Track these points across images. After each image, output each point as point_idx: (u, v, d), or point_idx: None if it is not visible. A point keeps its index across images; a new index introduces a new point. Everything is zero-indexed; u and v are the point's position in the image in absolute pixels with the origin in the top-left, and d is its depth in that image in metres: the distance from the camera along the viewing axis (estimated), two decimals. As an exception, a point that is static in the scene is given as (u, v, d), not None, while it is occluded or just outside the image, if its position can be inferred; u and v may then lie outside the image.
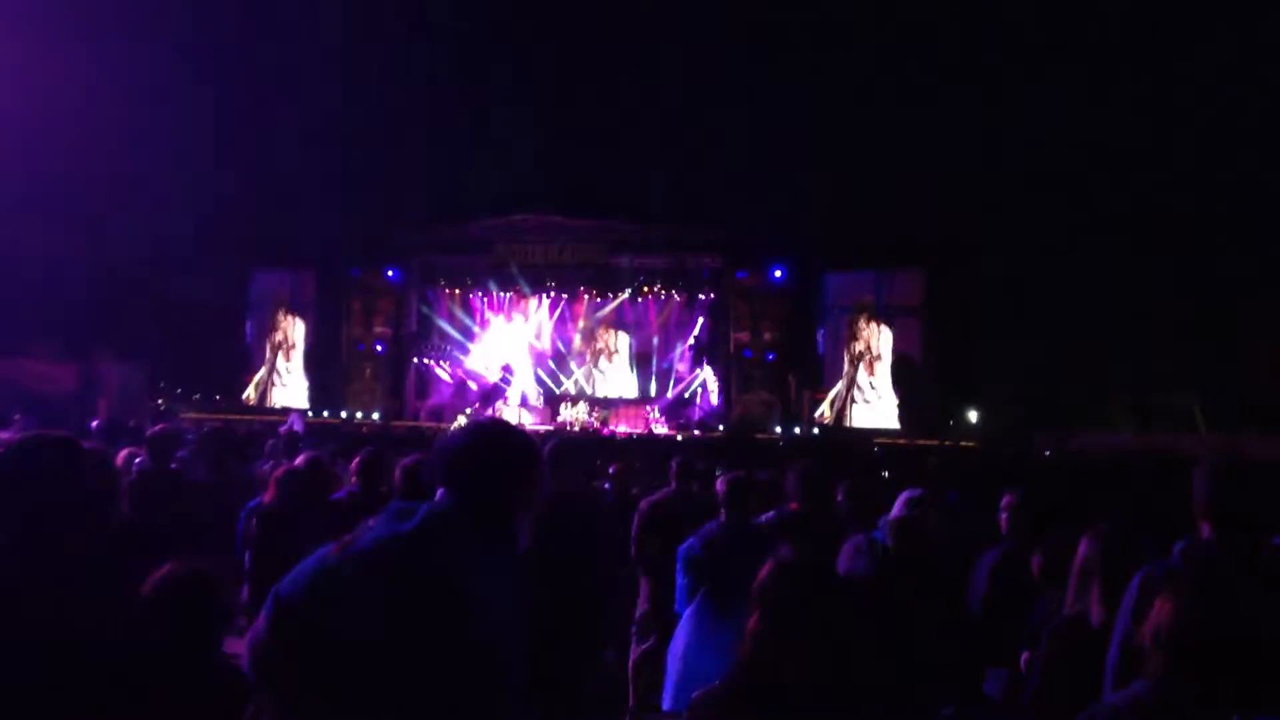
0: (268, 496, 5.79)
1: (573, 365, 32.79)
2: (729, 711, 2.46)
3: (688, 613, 5.00)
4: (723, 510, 5.22)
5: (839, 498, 6.15)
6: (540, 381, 32.48)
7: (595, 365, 32.73)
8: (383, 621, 2.17)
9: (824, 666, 2.40)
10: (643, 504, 6.62)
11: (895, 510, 5.15)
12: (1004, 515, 5.21)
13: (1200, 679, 2.25)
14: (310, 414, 28.42)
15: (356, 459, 6.42)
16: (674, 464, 7.14)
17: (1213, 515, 3.18)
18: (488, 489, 2.49)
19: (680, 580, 5.08)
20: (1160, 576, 3.04)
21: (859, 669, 2.44)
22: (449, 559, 2.29)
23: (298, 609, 2.21)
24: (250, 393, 32.87)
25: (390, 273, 32.13)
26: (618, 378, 32.62)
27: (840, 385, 29.96)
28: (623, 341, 32.72)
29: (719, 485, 5.42)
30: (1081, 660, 3.33)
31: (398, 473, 4.97)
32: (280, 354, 33.03)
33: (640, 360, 32.53)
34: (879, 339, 29.76)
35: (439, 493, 2.50)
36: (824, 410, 29.85)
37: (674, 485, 6.96)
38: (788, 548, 2.72)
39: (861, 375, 29.80)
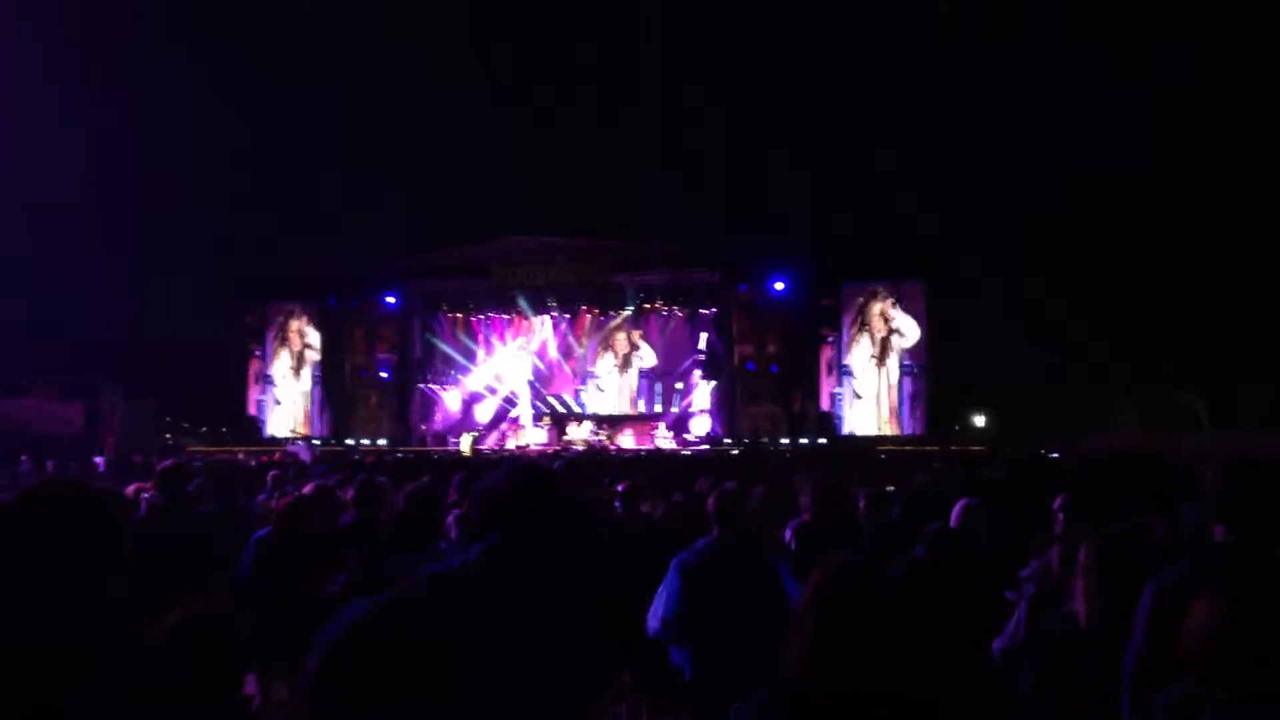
0: (274, 526, 5.77)
1: (578, 386, 32.81)
2: (789, 708, 2.40)
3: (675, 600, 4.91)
4: (715, 526, 5.14)
5: (860, 506, 6.11)
6: (545, 401, 32.46)
7: (598, 383, 32.72)
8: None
9: (874, 674, 2.36)
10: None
11: (953, 520, 5.12)
12: (1059, 515, 5.17)
13: (1238, 683, 2.23)
14: (317, 442, 28.43)
15: (352, 487, 6.41)
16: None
17: (1228, 518, 3.12)
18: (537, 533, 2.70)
19: (670, 590, 4.97)
20: (1172, 584, 2.99)
21: (904, 677, 2.41)
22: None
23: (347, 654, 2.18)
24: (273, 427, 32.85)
25: (391, 299, 32.13)
26: (621, 395, 32.57)
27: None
28: (638, 357, 32.64)
29: (709, 500, 5.35)
30: (1073, 661, 3.32)
31: (401, 499, 4.94)
32: (289, 373, 32.97)
33: (647, 376, 32.51)
34: (897, 320, 29.74)
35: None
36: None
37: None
38: (838, 554, 2.66)
39: (869, 376, 29.73)
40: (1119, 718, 3.04)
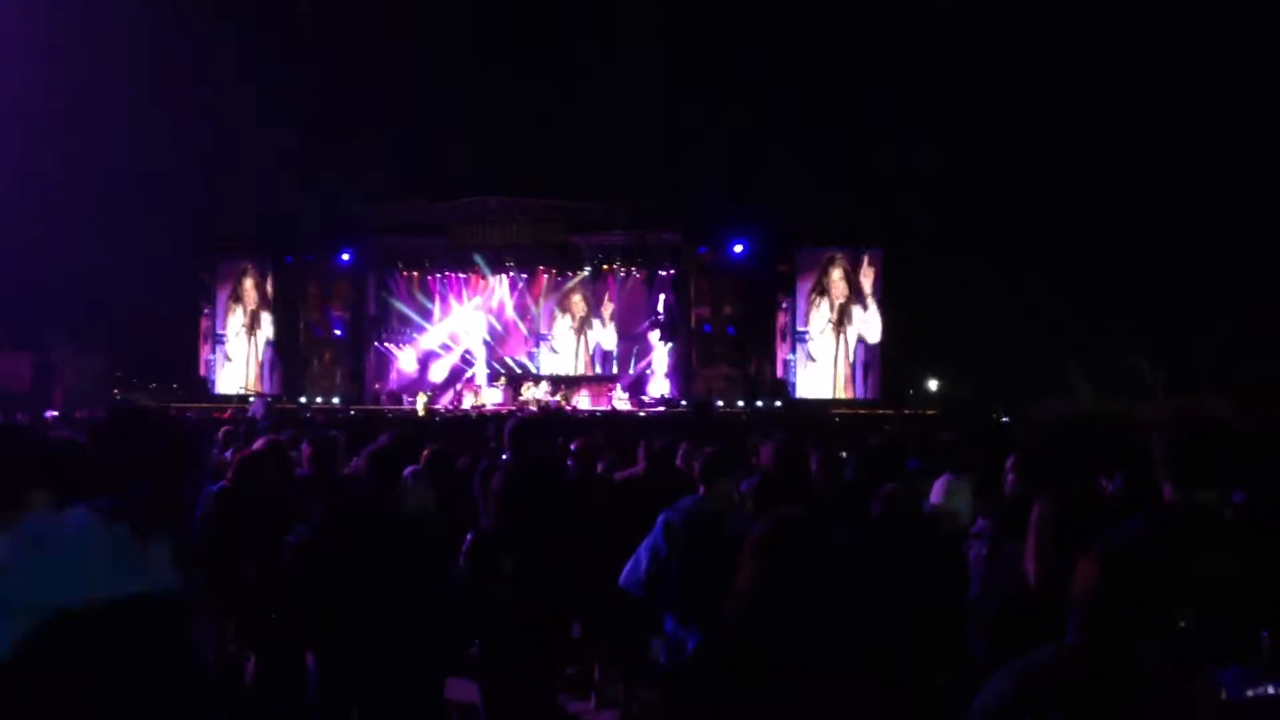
0: (227, 479, 5.73)
1: (530, 349, 32.80)
2: (716, 676, 2.36)
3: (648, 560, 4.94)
4: (701, 485, 5.20)
5: (814, 467, 6.16)
6: (501, 362, 32.38)
7: (552, 344, 32.70)
8: None
9: (819, 629, 2.36)
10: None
11: (934, 496, 5.13)
12: (1009, 475, 5.21)
13: (1115, 640, 2.24)
14: (270, 399, 28.18)
15: (307, 444, 6.40)
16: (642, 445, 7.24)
17: (1173, 476, 3.18)
18: None
19: (652, 548, 5.00)
20: (1120, 543, 3.04)
21: (851, 635, 2.40)
22: None
23: None
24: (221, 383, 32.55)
25: (345, 256, 31.81)
26: (580, 355, 32.55)
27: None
28: (595, 325, 32.63)
29: (697, 461, 5.42)
30: (1026, 622, 3.36)
31: (364, 459, 4.92)
32: (242, 331, 32.64)
33: (606, 337, 32.51)
34: (857, 284, 29.92)
35: None
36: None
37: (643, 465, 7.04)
38: (789, 507, 2.66)
39: (825, 340, 29.87)
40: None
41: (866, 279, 29.85)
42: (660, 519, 5.03)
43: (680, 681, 2.47)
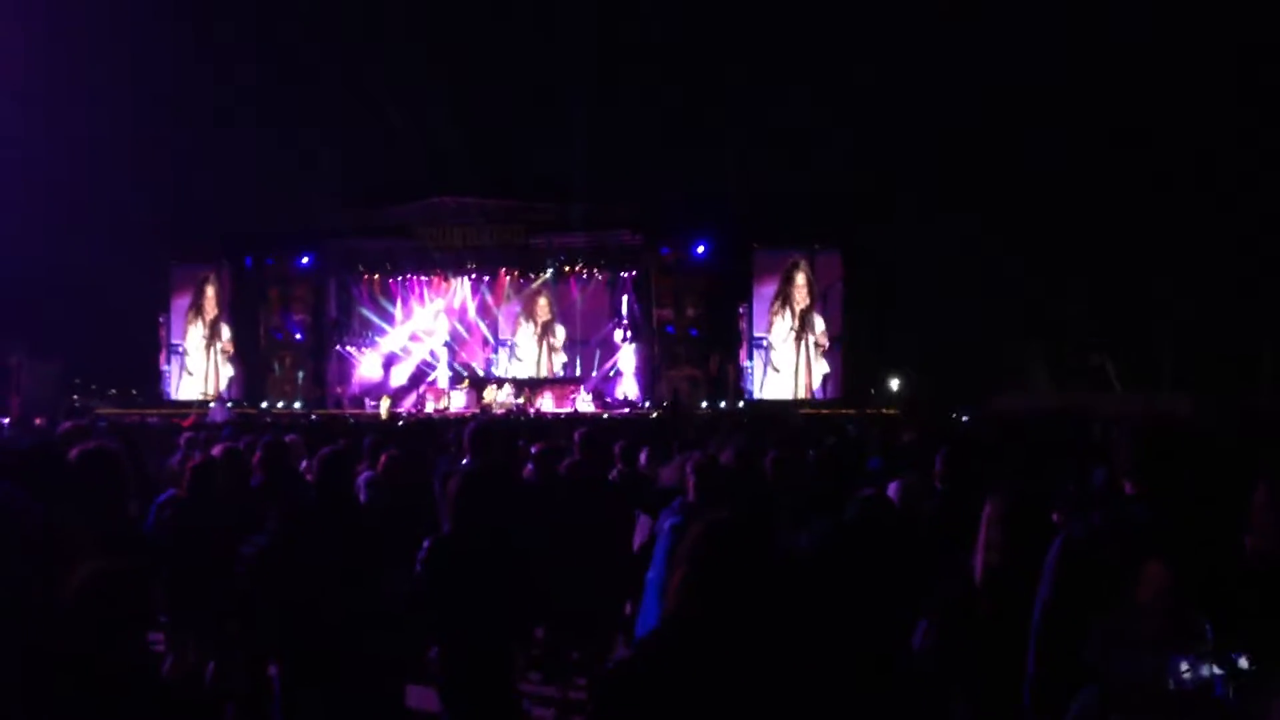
0: (182, 488, 5.65)
1: (489, 355, 32.72)
2: (653, 668, 2.37)
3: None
4: (692, 491, 5.24)
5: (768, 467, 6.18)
6: (464, 364, 32.28)
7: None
8: None
9: (749, 627, 2.34)
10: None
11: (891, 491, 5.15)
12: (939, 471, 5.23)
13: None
14: (231, 404, 27.95)
15: (258, 450, 6.32)
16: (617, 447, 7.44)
17: (1134, 474, 3.20)
18: None
19: (666, 553, 4.98)
20: (1082, 539, 3.05)
21: (795, 636, 2.39)
22: None
23: None
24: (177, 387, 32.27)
25: (305, 259, 31.60)
26: (543, 359, 32.46)
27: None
28: (559, 323, 32.53)
29: (688, 467, 5.50)
30: (972, 615, 3.37)
31: (316, 463, 4.86)
32: (202, 343, 32.36)
33: (569, 340, 32.44)
34: (817, 288, 30.00)
35: None
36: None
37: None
38: (721, 510, 2.65)
39: (786, 348, 29.93)
40: (1016, 669, 3.10)
41: (824, 280, 29.90)
42: (666, 524, 5.04)
43: (610, 679, 2.47)
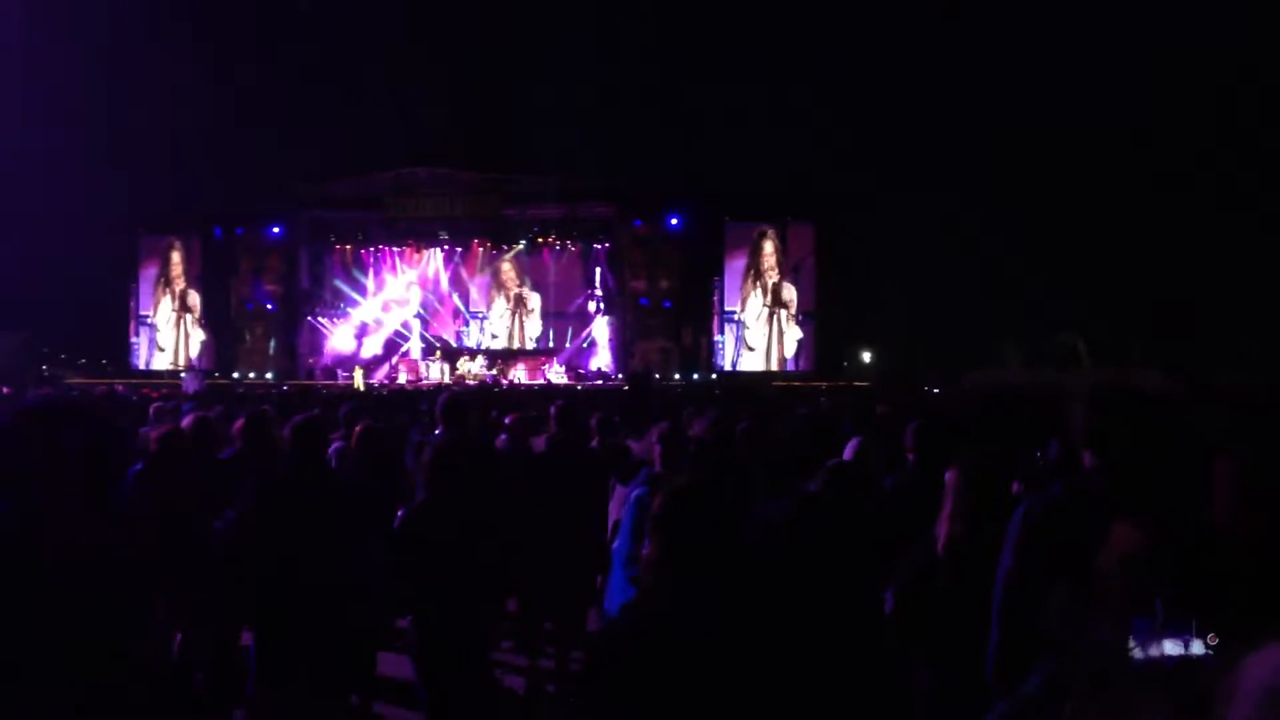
0: (148, 460, 5.61)
1: (460, 327, 32.61)
2: (629, 645, 2.40)
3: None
4: (658, 462, 5.25)
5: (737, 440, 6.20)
6: (436, 335, 32.17)
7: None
8: None
9: (721, 596, 2.38)
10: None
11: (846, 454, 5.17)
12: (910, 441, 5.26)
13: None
14: (202, 373, 27.78)
15: (240, 420, 6.30)
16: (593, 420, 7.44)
17: (1092, 444, 3.23)
18: None
19: (631, 523, 4.98)
20: (1041, 510, 3.09)
21: (766, 606, 2.42)
22: None
23: None
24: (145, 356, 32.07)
25: (275, 230, 31.40)
26: (515, 330, 32.37)
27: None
28: (534, 295, 32.43)
29: (653, 437, 5.51)
30: (934, 585, 3.41)
31: (288, 431, 4.86)
32: (172, 316, 32.14)
33: (543, 312, 32.37)
34: (787, 260, 30.02)
35: None
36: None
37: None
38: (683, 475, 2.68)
39: (760, 326, 29.99)
40: (978, 639, 3.14)
41: (797, 253, 29.95)
42: (634, 495, 5.02)
43: (599, 643, 2.52)
